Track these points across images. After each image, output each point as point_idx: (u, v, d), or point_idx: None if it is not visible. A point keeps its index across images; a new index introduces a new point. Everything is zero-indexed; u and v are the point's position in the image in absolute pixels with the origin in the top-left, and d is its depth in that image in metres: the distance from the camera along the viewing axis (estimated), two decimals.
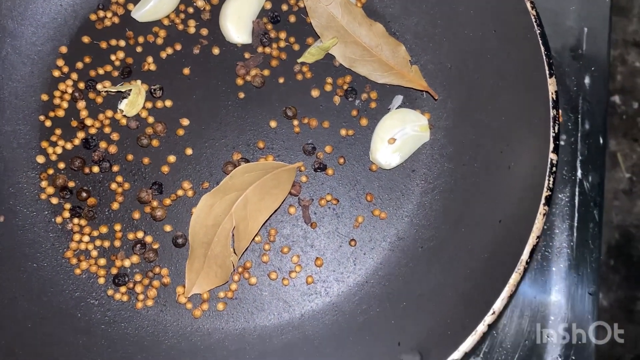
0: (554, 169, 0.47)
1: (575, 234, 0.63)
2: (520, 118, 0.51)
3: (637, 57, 1.07)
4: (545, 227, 0.62)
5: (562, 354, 0.60)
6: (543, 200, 0.47)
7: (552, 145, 0.47)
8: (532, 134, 0.50)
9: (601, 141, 0.65)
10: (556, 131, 0.48)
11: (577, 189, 0.64)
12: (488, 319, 0.45)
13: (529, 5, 0.50)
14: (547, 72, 0.49)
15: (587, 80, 0.66)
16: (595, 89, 0.66)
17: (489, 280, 0.48)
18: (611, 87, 1.06)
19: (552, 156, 0.47)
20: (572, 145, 0.64)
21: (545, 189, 0.47)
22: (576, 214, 0.63)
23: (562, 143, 0.64)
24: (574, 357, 0.60)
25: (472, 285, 0.50)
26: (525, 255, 0.46)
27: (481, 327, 0.45)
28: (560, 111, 0.48)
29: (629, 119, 1.06)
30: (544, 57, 0.49)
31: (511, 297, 0.46)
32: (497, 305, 0.45)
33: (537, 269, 0.62)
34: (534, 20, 0.49)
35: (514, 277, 0.46)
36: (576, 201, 0.63)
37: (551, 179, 0.47)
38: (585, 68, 0.66)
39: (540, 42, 0.49)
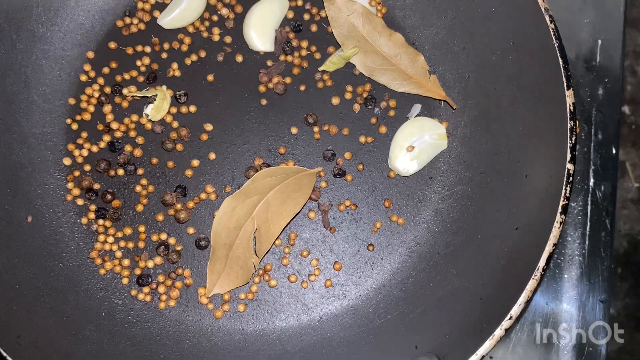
0: (571, 178, 0.48)
1: (587, 243, 0.64)
2: (537, 128, 0.52)
3: None
4: None
5: None
6: (560, 209, 0.48)
7: (569, 156, 0.48)
8: (549, 144, 0.51)
9: (614, 151, 0.66)
10: (573, 142, 0.49)
11: (589, 198, 0.64)
12: (505, 323, 0.46)
13: (547, 18, 0.51)
14: (565, 84, 0.49)
15: (600, 92, 0.67)
16: (608, 100, 0.67)
17: (506, 286, 0.49)
18: (620, 97, 1.06)
19: (569, 166, 0.48)
20: (585, 155, 0.65)
21: (562, 198, 0.48)
22: (588, 223, 0.64)
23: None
24: None
25: (489, 290, 0.51)
26: (541, 262, 0.47)
27: (498, 332, 0.46)
28: (577, 122, 0.49)
29: (638, 129, 1.07)
30: (562, 70, 0.50)
31: (528, 302, 0.47)
32: (515, 310, 0.46)
33: (549, 276, 0.63)
34: (552, 33, 0.50)
35: (531, 283, 0.47)
36: (588, 210, 0.64)
37: (568, 188, 0.48)
38: (598, 79, 0.67)
39: (559, 54, 0.50)
